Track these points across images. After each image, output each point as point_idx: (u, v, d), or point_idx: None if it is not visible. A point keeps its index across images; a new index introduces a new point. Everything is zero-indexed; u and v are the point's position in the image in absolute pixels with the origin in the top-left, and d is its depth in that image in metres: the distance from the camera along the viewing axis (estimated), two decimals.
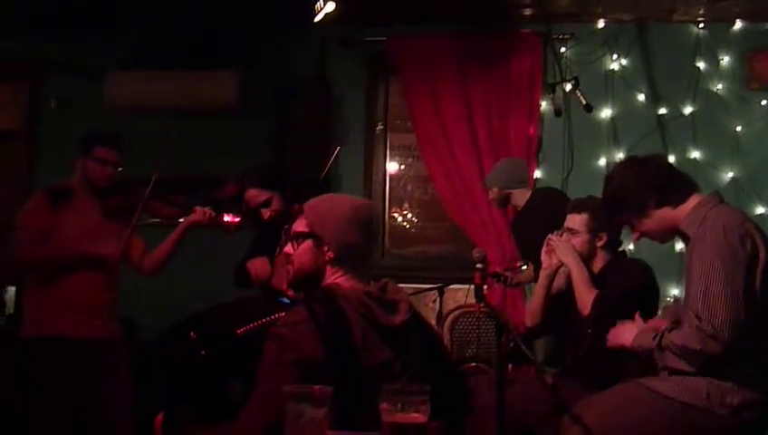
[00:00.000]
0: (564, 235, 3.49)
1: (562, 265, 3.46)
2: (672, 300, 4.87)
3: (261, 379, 1.96)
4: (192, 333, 2.13)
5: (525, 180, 4.98)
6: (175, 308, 3.88)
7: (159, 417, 2.00)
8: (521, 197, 4.86)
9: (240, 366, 2.09)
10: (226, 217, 3.93)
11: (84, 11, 5.54)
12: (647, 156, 2.84)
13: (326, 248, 2.16)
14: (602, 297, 3.27)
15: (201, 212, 3.79)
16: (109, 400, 3.60)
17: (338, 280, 2.15)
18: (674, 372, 2.58)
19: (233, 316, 2.25)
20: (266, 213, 3.76)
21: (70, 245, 3.58)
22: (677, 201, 2.71)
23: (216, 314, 2.39)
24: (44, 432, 3.49)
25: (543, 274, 3.58)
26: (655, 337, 2.61)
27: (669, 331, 2.60)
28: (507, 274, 4.55)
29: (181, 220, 3.88)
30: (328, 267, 2.17)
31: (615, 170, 2.89)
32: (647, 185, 2.72)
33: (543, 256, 3.57)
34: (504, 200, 4.94)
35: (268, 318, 2.12)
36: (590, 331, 3.27)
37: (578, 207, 3.52)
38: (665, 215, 2.72)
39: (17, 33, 5.80)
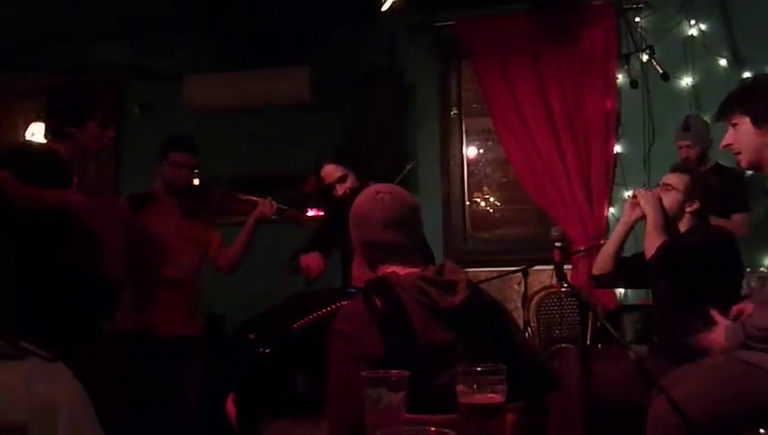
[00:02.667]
0: (657, 189, 3.46)
1: (642, 218, 3.42)
2: (766, 270, 4.70)
3: (332, 381, 1.96)
4: (251, 335, 2.18)
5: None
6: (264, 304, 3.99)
7: (230, 402, 2.05)
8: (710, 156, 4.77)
9: (303, 359, 2.12)
10: (310, 212, 4.04)
11: (161, 18, 5.71)
12: None
13: (363, 252, 2.22)
14: (668, 244, 3.22)
15: (265, 204, 3.90)
16: (181, 396, 3.74)
17: (394, 269, 2.13)
18: None
19: (293, 311, 2.28)
20: (340, 189, 3.88)
21: (154, 245, 3.73)
22: None
23: (277, 311, 2.44)
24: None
25: (621, 222, 3.56)
26: (742, 329, 2.54)
27: (749, 317, 2.53)
28: None
29: None
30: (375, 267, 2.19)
31: None
32: None
33: (626, 207, 3.57)
34: (703, 159, 4.72)
35: (323, 310, 2.15)
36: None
37: (681, 168, 3.54)
38: None
39: (99, 43, 6.01)
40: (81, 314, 3.17)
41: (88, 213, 3.17)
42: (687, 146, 4.67)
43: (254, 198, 3.98)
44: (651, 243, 3.28)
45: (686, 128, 4.72)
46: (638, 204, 3.43)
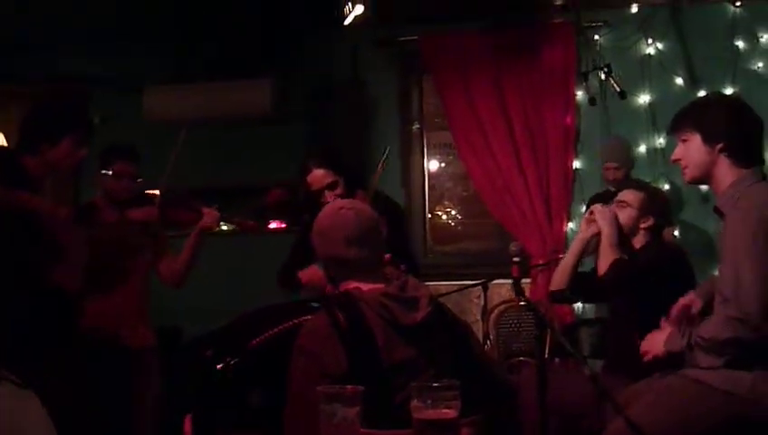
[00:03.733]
0: (613, 205, 3.52)
1: (598, 234, 3.47)
2: None
3: (292, 397, 1.98)
4: (208, 352, 2.18)
5: None
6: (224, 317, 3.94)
7: (187, 421, 2.04)
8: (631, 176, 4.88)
9: (260, 375, 2.11)
10: (272, 225, 3.93)
11: (123, 27, 5.67)
12: (757, 116, 2.73)
13: (325, 266, 2.25)
14: (622, 261, 3.28)
15: (210, 214, 3.76)
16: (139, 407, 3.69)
17: (357, 284, 2.14)
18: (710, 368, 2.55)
19: (252, 326, 2.28)
20: (330, 196, 3.60)
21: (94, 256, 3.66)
22: (737, 162, 2.64)
23: (235, 326, 2.42)
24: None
25: (578, 238, 3.62)
26: (683, 337, 2.59)
27: (696, 326, 2.58)
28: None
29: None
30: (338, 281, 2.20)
31: (730, 96, 2.82)
32: (732, 126, 2.66)
33: (583, 223, 3.62)
34: (626, 180, 4.76)
35: (283, 325, 2.15)
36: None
37: (636, 186, 3.63)
38: (716, 161, 2.66)
39: (60, 53, 5.95)
40: (32, 323, 3.12)
41: (53, 221, 3.14)
42: (615, 168, 4.82)
43: (198, 207, 3.82)
44: (605, 259, 3.34)
45: (620, 149, 4.87)
46: (595, 220, 3.49)
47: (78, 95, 5.88)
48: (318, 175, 3.65)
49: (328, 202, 3.49)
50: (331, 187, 3.64)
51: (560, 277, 3.61)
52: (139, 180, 3.80)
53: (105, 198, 3.80)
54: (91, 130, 3.48)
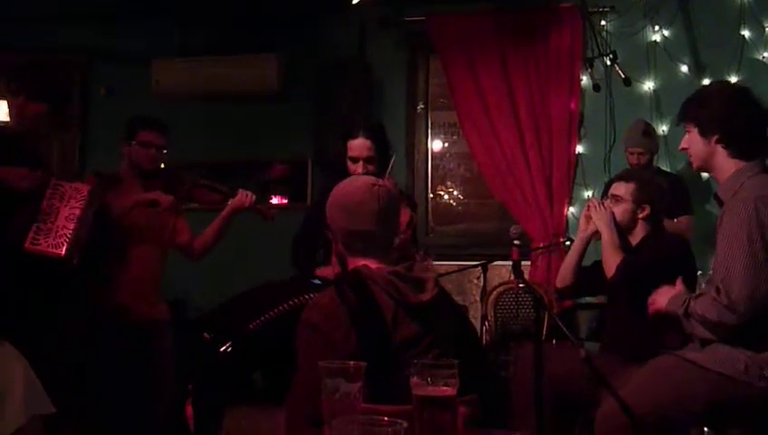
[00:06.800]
0: (607, 201, 3.53)
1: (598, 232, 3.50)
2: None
3: (300, 371, 2.00)
4: (206, 335, 2.19)
5: None
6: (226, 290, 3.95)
7: (188, 406, 2.08)
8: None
9: (261, 357, 2.13)
10: (274, 200, 3.93)
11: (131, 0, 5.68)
12: (757, 99, 2.75)
13: (340, 240, 2.21)
14: (627, 262, 3.30)
15: (244, 195, 3.82)
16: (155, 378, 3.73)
17: (365, 262, 2.16)
18: (703, 341, 2.60)
19: (253, 305, 2.30)
20: (360, 168, 3.54)
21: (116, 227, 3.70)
22: (734, 153, 2.69)
23: (234, 306, 2.43)
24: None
25: (579, 237, 3.64)
26: (683, 303, 2.63)
27: (695, 298, 2.62)
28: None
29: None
30: (348, 257, 2.20)
31: (729, 87, 2.84)
32: (726, 119, 2.70)
33: (581, 221, 3.63)
34: (650, 165, 4.77)
35: (282, 307, 2.16)
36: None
37: (626, 176, 3.60)
38: (714, 152, 2.72)
39: (65, 25, 5.95)
40: (23, 292, 3.18)
41: (20, 186, 3.19)
42: (640, 153, 4.75)
43: (225, 189, 3.85)
44: (610, 263, 3.35)
45: (645, 134, 4.81)
46: (591, 217, 3.51)
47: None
48: (363, 144, 3.58)
49: (355, 173, 3.44)
50: (369, 161, 3.57)
51: (565, 275, 3.64)
52: (164, 152, 3.81)
53: (130, 170, 3.81)
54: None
